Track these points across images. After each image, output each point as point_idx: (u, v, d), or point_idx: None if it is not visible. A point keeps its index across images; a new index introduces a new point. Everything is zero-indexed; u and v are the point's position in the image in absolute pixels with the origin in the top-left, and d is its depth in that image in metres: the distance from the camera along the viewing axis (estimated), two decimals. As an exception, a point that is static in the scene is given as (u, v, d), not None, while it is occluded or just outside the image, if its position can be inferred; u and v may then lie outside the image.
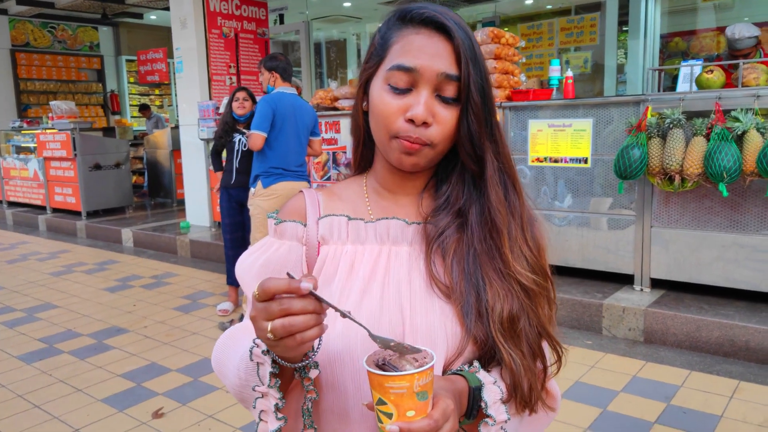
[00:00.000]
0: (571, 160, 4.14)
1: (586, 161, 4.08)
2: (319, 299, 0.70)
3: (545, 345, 0.89)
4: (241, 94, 4.42)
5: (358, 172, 1.00)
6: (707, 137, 3.44)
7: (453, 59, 0.84)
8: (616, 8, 7.47)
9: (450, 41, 0.84)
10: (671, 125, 3.55)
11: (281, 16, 9.67)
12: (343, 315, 0.72)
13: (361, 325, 0.74)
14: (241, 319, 4.16)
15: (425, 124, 0.83)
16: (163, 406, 3.06)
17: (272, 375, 0.78)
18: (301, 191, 0.98)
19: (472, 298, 0.85)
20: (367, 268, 0.88)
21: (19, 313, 4.71)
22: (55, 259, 6.63)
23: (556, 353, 0.90)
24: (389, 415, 0.70)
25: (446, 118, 0.84)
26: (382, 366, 0.71)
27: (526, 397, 0.83)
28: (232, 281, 4.54)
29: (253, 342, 0.80)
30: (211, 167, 4.82)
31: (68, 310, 4.73)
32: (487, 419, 0.80)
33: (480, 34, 4.50)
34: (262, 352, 0.78)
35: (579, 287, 4.12)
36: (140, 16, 11.90)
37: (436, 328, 0.83)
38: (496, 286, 0.85)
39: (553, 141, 4.18)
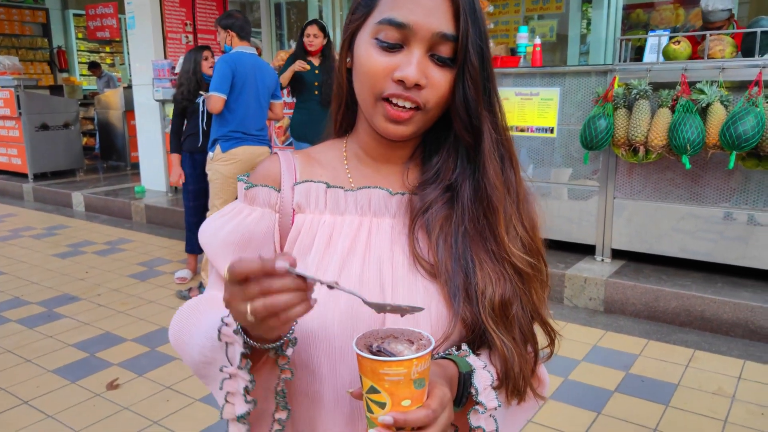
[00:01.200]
0: (537, 129, 4.11)
1: (552, 131, 4.06)
2: (299, 276, 0.62)
3: (536, 328, 0.84)
4: (208, 53, 4.22)
5: (338, 135, 0.91)
6: (672, 109, 3.45)
7: (451, 15, 0.75)
8: (581, -23, 7.44)
9: None
10: (637, 96, 3.55)
11: (240, -27, 9.28)
12: (330, 287, 0.65)
13: (352, 292, 0.66)
14: (200, 287, 4.04)
15: (417, 86, 0.75)
16: (119, 377, 2.96)
17: (243, 356, 0.71)
18: (276, 153, 0.89)
19: (460, 279, 0.79)
20: (346, 241, 0.81)
21: (-39, 280, 4.48)
22: (1, 223, 6.32)
23: (549, 337, 0.85)
24: (382, 405, 0.63)
25: (440, 81, 0.76)
26: (377, 352, 0.64)
27: (517, 385, 0.78)
28: (192, 249, 4.39)
29: (222, 320, 0.72)
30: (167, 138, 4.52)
31: (15, 277, 4.51)
32: (477, 407, 0.74)
33: None
34: (234, 331, 0.71)
35: (541, 257, 4.14)
36: (89, -33, 11.26)
37: None
38: (487, 268, 0.79)
39: (520, 110, 4.14)
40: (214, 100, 3.63)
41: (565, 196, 4.13)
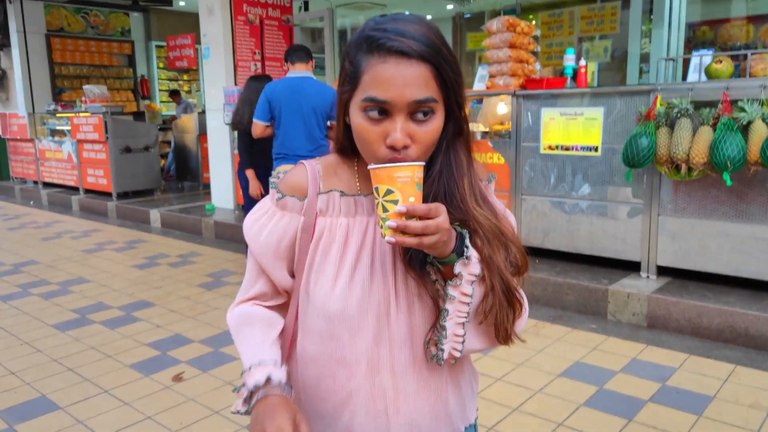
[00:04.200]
0: (582, 148, 4.23)
1: (596, 149, 4.17)
2: None
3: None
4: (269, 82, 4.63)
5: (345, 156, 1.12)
6: (714, 127, 3.51)
7: (421, 81, 0.90)
8: (642, -4, 7.45)
9: (417, 63, 0.90)
10: (679, 114, 3.62)
11: (306, 3, 9.79)
12: None
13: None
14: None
15: (405, 146, 0.92)
16: (184, 371, 3.28)
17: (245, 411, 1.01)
18: (302, 163, 1.10)
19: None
20: (359, 238, 1.04)
21: (53, 285, 5.00)
22: (87, 238, 6.93)
23: (522, 258, 1.03)
24: (395, 202, 0.87)
25: (425, 134, 0.93)
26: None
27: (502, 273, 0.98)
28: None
29: (241, 383, 1.02)
30: (236, 158, 4.94)
31: (99, 284, 4.99)
32: (464, 258, 0.94)
33: (496, 23, 4.59)
34: (243, 401, 1.00)
35: (586, 273, 4.23)
36: (170, 2, 12.13)
37: (422, 293, 1.03)
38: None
39: (565, 129, 4.27)
40: (254, 126, 4.16)
41: (610, 214, 4.21)
